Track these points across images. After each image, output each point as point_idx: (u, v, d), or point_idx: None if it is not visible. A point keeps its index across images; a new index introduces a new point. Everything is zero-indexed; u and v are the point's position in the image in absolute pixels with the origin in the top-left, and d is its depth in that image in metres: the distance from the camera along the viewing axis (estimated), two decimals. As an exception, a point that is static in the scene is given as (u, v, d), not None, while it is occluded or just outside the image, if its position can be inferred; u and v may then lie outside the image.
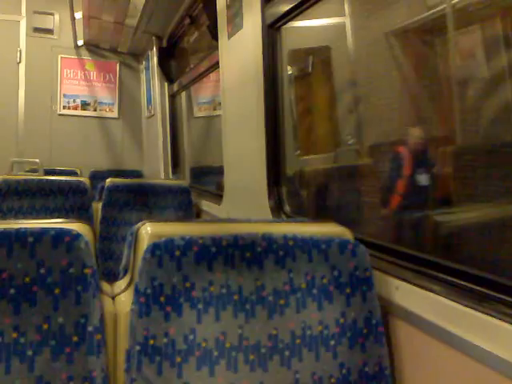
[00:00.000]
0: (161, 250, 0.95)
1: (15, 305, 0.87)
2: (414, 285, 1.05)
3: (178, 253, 0.96)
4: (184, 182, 3.08)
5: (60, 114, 4.58)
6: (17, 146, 4.40)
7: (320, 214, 1.87)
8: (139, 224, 1.08)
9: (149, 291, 0.92)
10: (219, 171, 3.18)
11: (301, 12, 1.67)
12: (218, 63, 2.43)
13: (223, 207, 2.36)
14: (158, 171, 4.09)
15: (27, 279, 0.88)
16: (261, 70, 1.84)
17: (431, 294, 1.00)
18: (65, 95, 4.59)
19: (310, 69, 2.53)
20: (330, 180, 1.99)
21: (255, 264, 1.01)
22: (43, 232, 0.90)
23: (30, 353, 0.86)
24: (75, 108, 4.62)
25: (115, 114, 4.75)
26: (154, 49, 3.92)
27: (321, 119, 2.58)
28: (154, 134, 4.21)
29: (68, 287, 0.89)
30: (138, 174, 4.60)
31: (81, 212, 2.50)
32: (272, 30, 1.83)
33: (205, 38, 3.33)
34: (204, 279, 0.97)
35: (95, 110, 4.69)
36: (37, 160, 3.26)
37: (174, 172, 3.87)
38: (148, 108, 4.44)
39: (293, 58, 1.99)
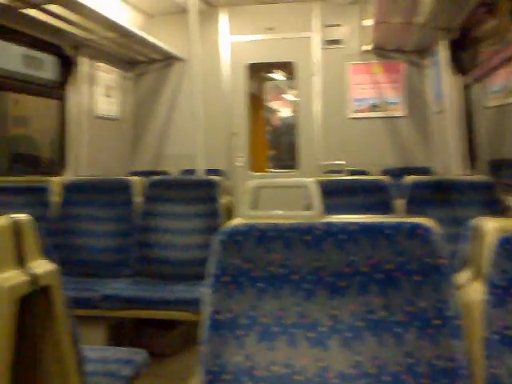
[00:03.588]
0: (510, 244, 0.97)
1: (382, 287, 1.02)
2: None
3: None
4: (487, 177, 2.94)
5: (351, 118, 4.93)
6: (313, 149, 4.92)
7: None
8: (479, 220, 1.12)
9: (503, 283, 0.95)
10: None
11: None
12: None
13: None
14: (448, 167, 3.97)
15: (390, 266, 1.02)
16: None
17: None
18: (355, 99, 4.92)
19: None
20: None
21: None
22: (399, 225, 1.03)
23: (398, 330, 0.99)
24: (364, 111, 4.91)
25: (402, 113, 4.85)
26: (443, 42, 3.83)
27: None
28: (443, 128, 4.11)
29: (426, 275, 1.00)
30: (426, 171, 4.56)
31: (382, 209, 2.66)
32: None
33: (503, 25, 3.10)
34: None
35: (383, 110, 4.88)
36: (343, 162, 3.60)
37: (471, 167, 3.70)
38: (436, 103, 4.36)
39: None
